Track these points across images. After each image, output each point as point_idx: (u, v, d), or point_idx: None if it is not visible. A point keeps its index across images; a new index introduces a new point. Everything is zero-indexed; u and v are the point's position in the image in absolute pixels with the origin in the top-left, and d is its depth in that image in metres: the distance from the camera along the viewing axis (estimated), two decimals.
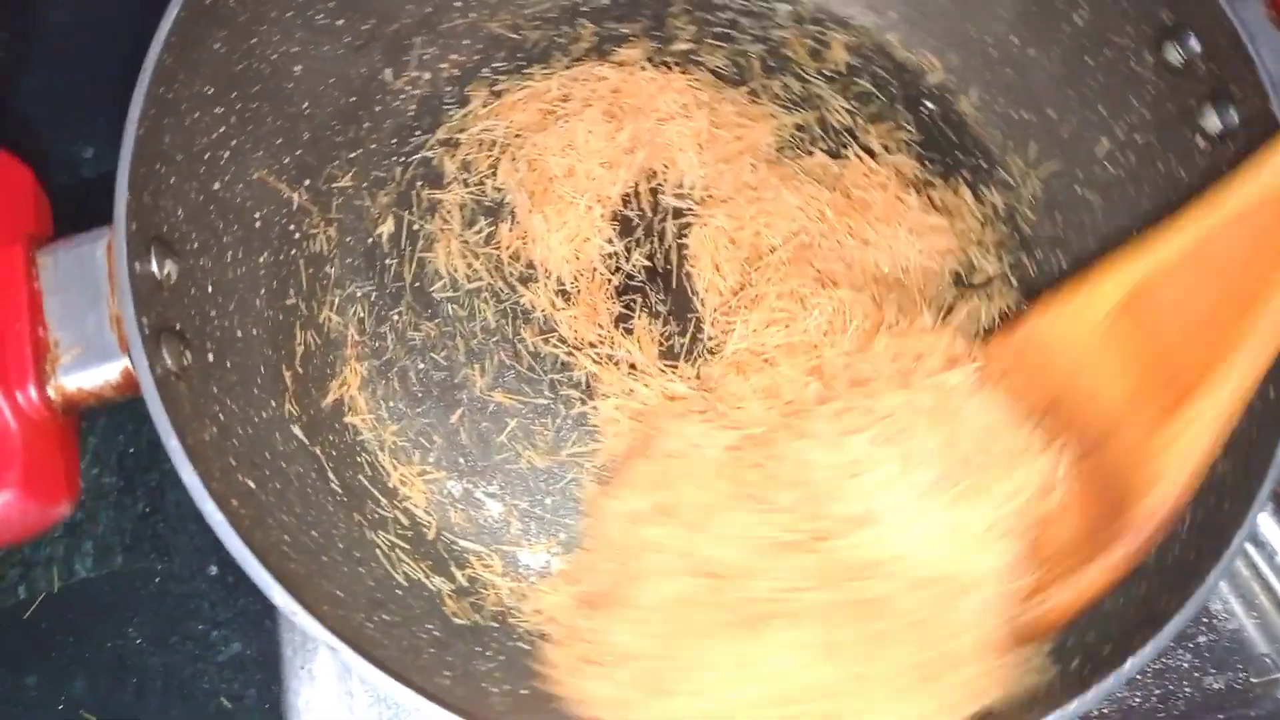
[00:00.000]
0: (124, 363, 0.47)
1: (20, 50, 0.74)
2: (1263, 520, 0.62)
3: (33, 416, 0.46)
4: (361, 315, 0.62)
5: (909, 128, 0.67)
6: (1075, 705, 0.43)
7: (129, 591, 0.63)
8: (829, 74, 0.69)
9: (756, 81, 0.68)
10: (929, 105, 0.69)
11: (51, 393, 0.47)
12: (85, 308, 0.48)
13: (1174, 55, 0.58)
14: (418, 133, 0.67)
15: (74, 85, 0.74)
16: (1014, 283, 0.64)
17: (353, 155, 0.64)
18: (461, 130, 0.66)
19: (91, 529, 0.63)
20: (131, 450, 0.65)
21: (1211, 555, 0.47)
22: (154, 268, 0.49)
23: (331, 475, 0.56)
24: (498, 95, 0.67)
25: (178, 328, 0.50)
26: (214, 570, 0.64)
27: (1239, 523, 0.46)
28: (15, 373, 0.46)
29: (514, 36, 0.69)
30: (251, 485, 0.50)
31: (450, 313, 0.61)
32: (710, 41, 0.68)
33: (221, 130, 0.56)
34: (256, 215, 0.59)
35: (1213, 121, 0.56)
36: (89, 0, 0.76)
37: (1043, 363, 0.52)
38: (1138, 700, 0.59)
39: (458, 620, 0.54)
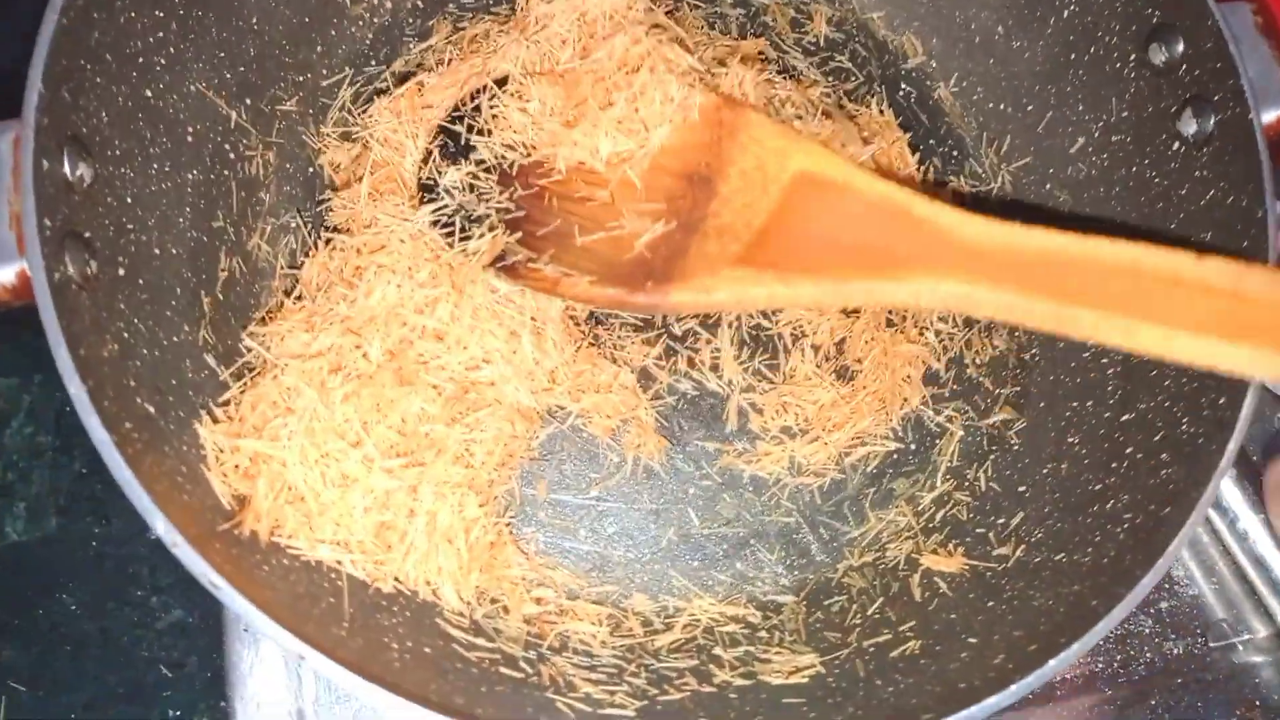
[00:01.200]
0: (20, 264, 0.44)
1: None
2: (1224, 486, 0.62)
3: None
4: (294, 247, 0.59)
5: (884, 109, 0.65)
6: (995, 700, 0.42)
7: (64, 556, 0.60)
8: (808, 46, 0.67)
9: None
10: (906, 88, 0.67)
11: None
12: None
13: (1159, 56, 0.56)
14: (372, 63, 0.63)
15: None
16: None
17: (300, 79, 0.61)
18: (418, 64, 0.63)
19: (24, 490, 0.61)
20: (68, 408, 0.61)
21: (1145, 562, 0.46)
22: (65, 169, 0.46)
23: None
24: (459, 30, 0.64)
25: (86, 235, 0.46)
26: (154, 535, 0.60)
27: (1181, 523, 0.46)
28: None
29: None
30: (151, 410, 0.47)
31: None
32: (690, 1, 0.66)
33: (159, 35, 0.52)
34: (189, 129, 0.55)
35: (1190, 126, 0.55)
36: None
37: (728, 136, 0.55)
38: (1100, 665, 0.60)
39: (359, 581, 0.51)
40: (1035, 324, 0.46)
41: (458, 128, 0.57)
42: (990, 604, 0.52)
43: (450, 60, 0.61)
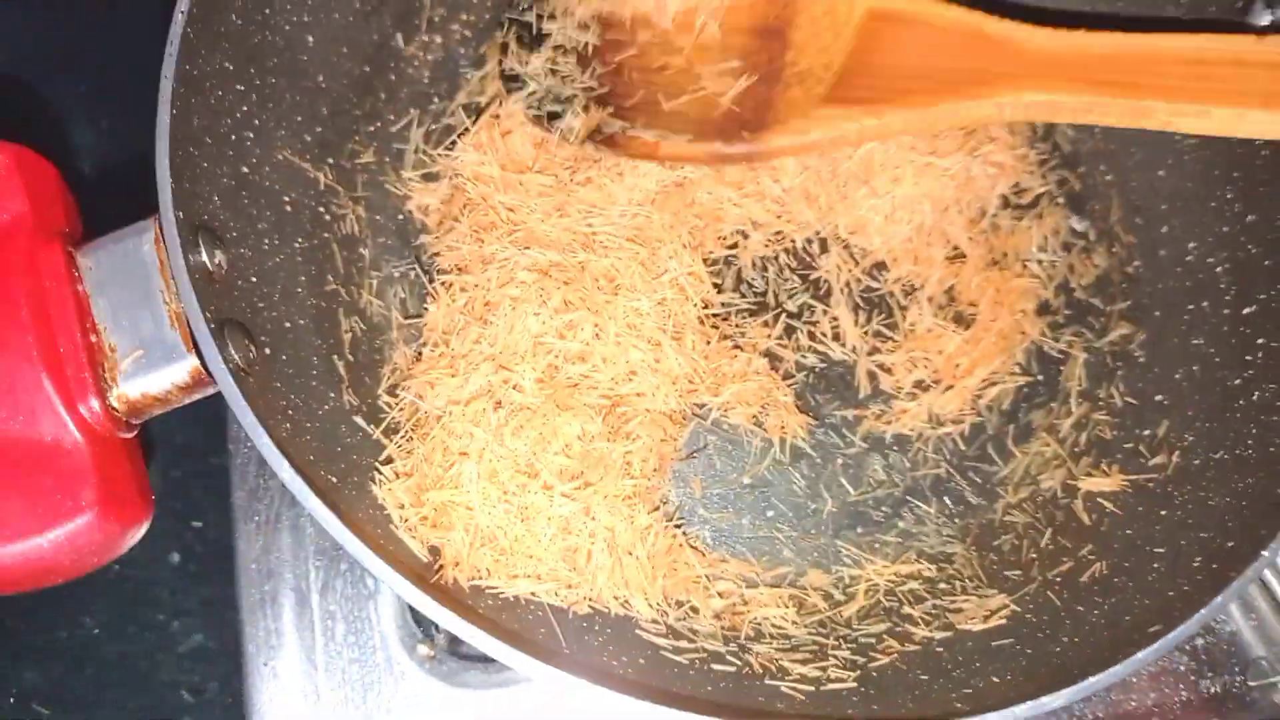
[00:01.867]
0: (191, 362, 0.44)
1: None
2: None
3: (98, 430, 0.43)
4: (403, 296, 0.59)
5: None
6: (1220, 599, 0.43)
7: (87, 579, 0.58)
8: None
9: None
10: None
11: (115, 402, 0.43)
12: (138, 307, 0.44)
13: None
14: (435, 100, 0.63)
15: (37, 52, 0.70)
16: (1060, 200, 0.63)
17: (371, 129, 0.61)
18: (480, 93, 0.63)
19: None
20: None
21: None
22: (204, 257, 0.46)
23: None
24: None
25: (237, 320, 0.46)
26: (176, 559, 0.62)
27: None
28: (75, 385, 0.42)
29: None
30: (334, 480, 0.47)
31: None
32: None
33: (244, 109, 0.52)
34: (286, 198, 0.55)
35: (1263, 16, 0.56)
36: None
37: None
38: (1133, 704, 0.58)
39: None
40: (1114, 121, 0.51)
41: (528, 17, 0.58)
42: (1164, 513, 0.53)
43: None
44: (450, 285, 0.56)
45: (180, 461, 0.66)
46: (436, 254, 0.58)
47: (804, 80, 0.55)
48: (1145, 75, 0.50)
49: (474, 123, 0.60)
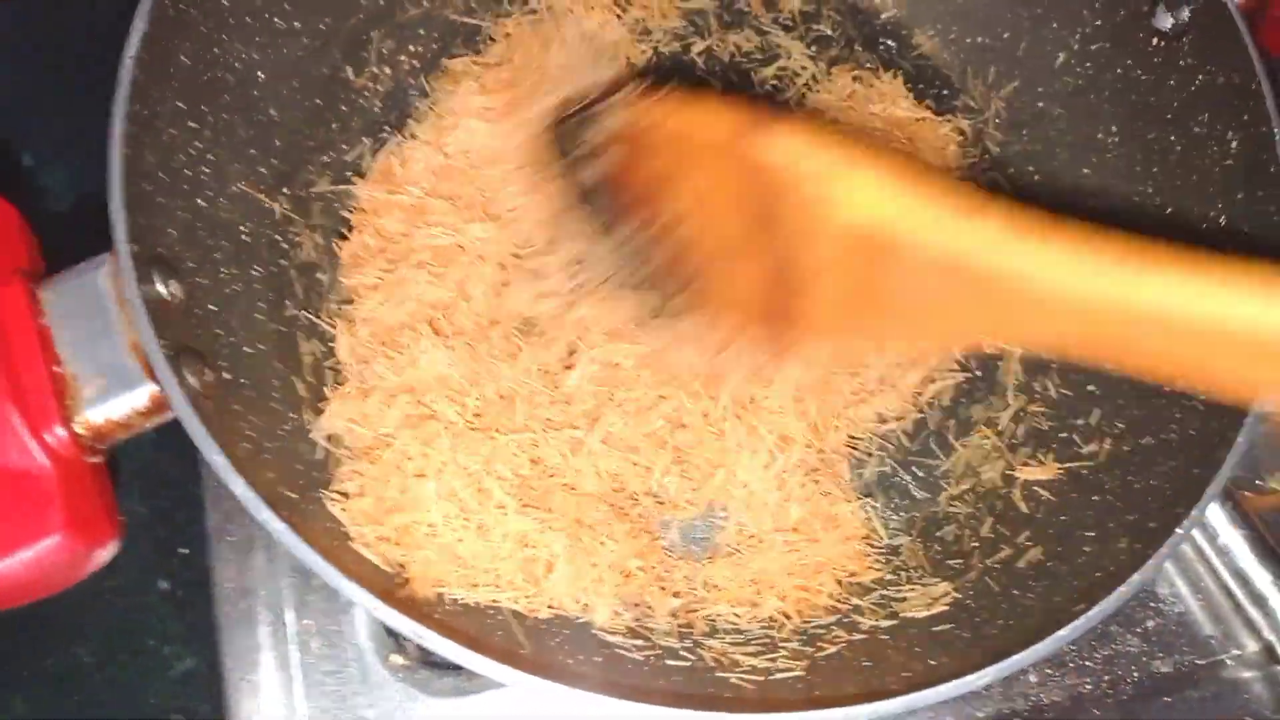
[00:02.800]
0: (149, 388, 0.45)
1: None
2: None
3: (64, 455, 0.45)
4: None
5: (869, 67, 0.68)
6: (1137, 578, 0.45)
7: (74, 607, 0.61)
8: (784, 23, 0.70)
9: (714, 38, 0.69)
10: (886, 42, 0.70)
11: (79, 428, 0.45)
12: (97, 338, 0.46)
13: None
14: (386, 128, 0.65)
15: (16, 95, 0.72)
16: None
17: (325, 159, 0.63)
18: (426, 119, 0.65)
19: None
20: None
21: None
22: (160, 288, 0.47)
23: None
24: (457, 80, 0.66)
25: (193, 346, 0.48)
26: (164, 585, 0.63)
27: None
28: (40, 413, 0.44)
29: (469, 21, 0.68)
30: (295, 497, 0.49)
31: None
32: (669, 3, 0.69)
33: (197, 145, 0.54)
34: (243, 229, 0.57)
35: (1166, 21, 0.59)
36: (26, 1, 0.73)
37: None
38: (1088, 687, 0.60)
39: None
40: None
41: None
42: (1095, 499, 0.55)
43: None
44: (350, 317, 0.58)
45: (165, 491, 0.67)
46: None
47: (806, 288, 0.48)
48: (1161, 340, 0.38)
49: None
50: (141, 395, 0.45)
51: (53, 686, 0.60)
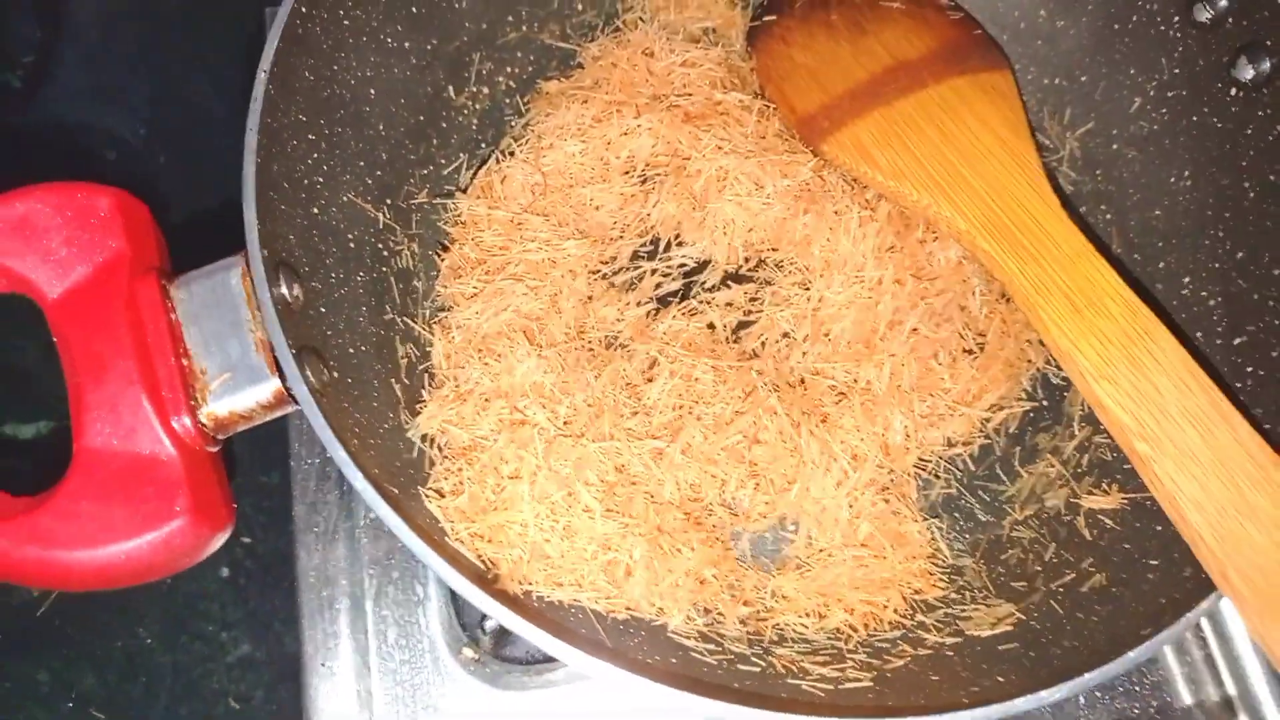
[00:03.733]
0: (275, 384, 0.49)
1: (44, 53, 0.76)
2: None
3: (189, 444, 0.48)
4: None
5: None
6: (1205, 604, 0.47)
7: (140, 591, 0.63)
8: None
9: None
10: None
11: (204, 419, 0.48)
12: (226, 334, 0.50)
13: (1204, 14, 0.62)
14: (482, 145, 0.69)
15: (99, 90, 0.75)
16: None
17: (425, 172, 0.66)
18: (522, 139, 0.68)
19: None
20: None
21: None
22: (284, 290, 0.51)
23: None
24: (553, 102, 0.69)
25: (313, 347, 0.51)
26: (225, 572, 0.66)
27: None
28: (170, 403, 0.48)
29: (564, 45, 0.71)
30: (396, 492, 0.51)
31: None
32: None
33: (315, 156, 0.58)
34: (350, 236, 0.60)
35: (1247, 72, 0.60)
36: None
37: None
38: (1135, 711, 0.62)
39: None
40: None
41: None
42: (1159, 528, 0.56)
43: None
44: (447, 324, 0.61)
45: (231, 481, 0.71)
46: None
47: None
48: None
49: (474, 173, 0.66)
50: (266, 390, 0.49)
51: (118, 666, 0.63)
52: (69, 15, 0.77)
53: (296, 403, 0.47)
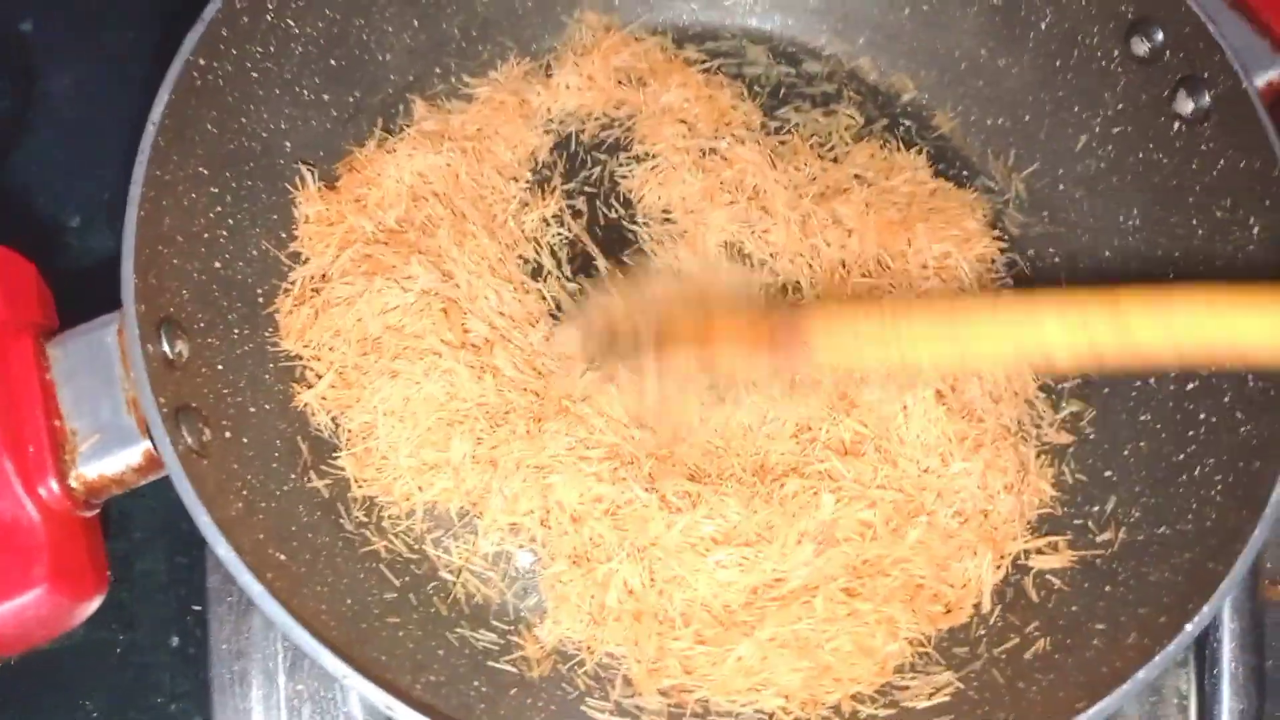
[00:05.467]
0: (144, 445, 0.46)
1: (14, 122, 0.76)
2: None
3: (56, 509, 0.45)
4: None
5: (890, 149, 0.68)
6: (1143, 674, 0.43)
7: (88, 663, 0.62)
8: (805, 105, 0.70)
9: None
10: (905, 122, 0.70)
11: (73, 483, 0.46)
12: (99, 394, 0.47)
13: (1141, 47, 0.60)
14: None
15: (69, 159, 0.75)
16: (1009, 284, 0.65)
17: None
18: None
19: None
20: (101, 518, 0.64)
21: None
22: (165, 347, 0.49)
23: (357, 543, 0.55)
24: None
25: (194, 405, 0.49)
26: (175, 641, 0.64)
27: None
28: (35, 467, 0.45)
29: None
30: (282, 558, 0.49)
31: None
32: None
33: (218, 209, 0.56)
34: (259, 290, 0.58)
35: (1186, 105, 0.58)
36: (87, 72, 0.77)
37: None
38: None
39: (502, 673, 0.52)
40: None
41: None
42: (1108, 589, 0.53)
43: None
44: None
45: (184, 549, 0.68)
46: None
47: None
48: None
49: None
50: (136, 452, 0.46)
51: None
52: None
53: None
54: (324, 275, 0.60)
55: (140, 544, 0.66)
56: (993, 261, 0.65)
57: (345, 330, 0.57)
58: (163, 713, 0.62)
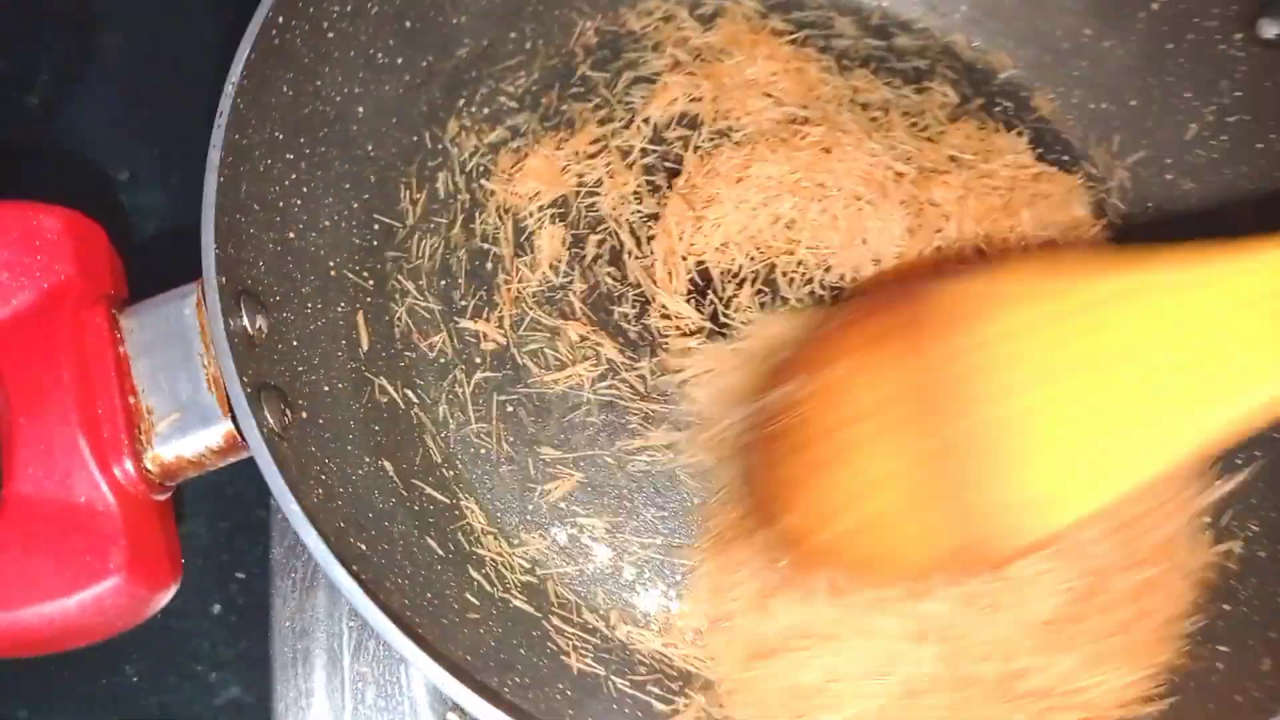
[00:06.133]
0: (226, 425, 0.44)
1: (68, 74, 0.73)
2: None
3: (131, 493, 0.43)
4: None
5: (989, 130, 0.65)
6: None
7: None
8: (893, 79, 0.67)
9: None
10: (1002, 102, 0.67)
11: (149, 465, 0.44)
12: (177, 370, 0.45)
13: (1270, 30, 0.56)
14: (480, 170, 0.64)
15: (122, 115, 0.72)
16: None
17: (418, 196, 0.62)
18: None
19: None
20: None
21: None
22: (245, 322, 0.46)
23: (433, 533, 0.53)
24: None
25: (274, 384, 0.46)
26: (217, 609, 0.62)
27: None
28: (110, 447, 0.43)
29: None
30: (363, 548, 0.46)
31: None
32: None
33: (293, 177, 0.53)
34: (330, 263, 0.56)
35: (1271, 29, 0.54)
36: (144, 24, 0.74)
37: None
38: None
39: (586, 676, 0.50)
40: None
41: None
42: (1228, 608, 0.50)
43: None
44: None
45: (229, 513, 0.66)
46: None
47: None
48: None
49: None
50: (216, 433, 0.44)
51: (102, 705, 0.59)
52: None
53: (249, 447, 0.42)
54: None
55: (183, 507, 0.63)
56: None
57: None
58: (203, 682, 0.60)
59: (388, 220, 0.59)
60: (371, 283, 0.58)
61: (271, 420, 0.44)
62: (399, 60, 0.60)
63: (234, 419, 0.43)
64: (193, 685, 0.60)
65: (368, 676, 0.58)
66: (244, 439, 0.42)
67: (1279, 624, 0.47)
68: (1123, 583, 0.47)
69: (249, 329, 0.46)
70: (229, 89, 0.48)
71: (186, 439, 0.44)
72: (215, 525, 0.65)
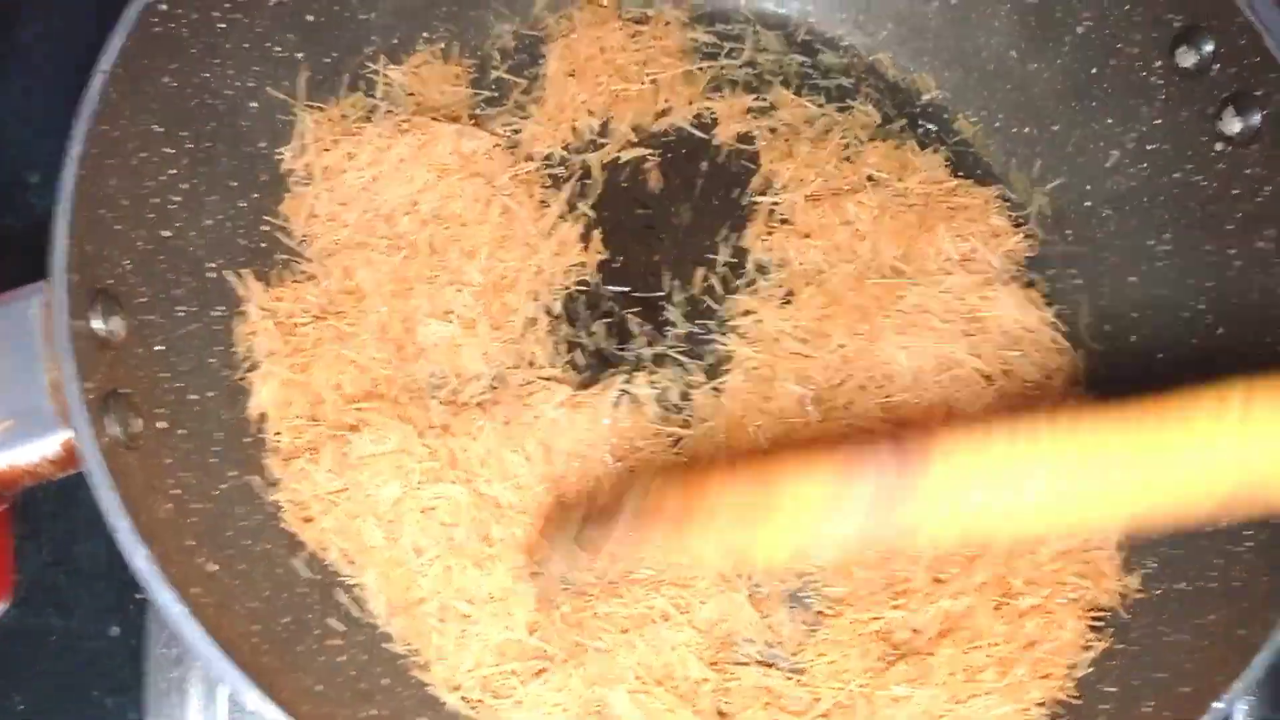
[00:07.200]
0: (64, 434, 0.41)
1: None
2: None
3: None
4: None
5: (905, 149, 0.64)
6: None
7: (19, 652, 0.58)
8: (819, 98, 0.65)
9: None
10: (925, 124, 0.65)
11: None
12: (15, 375, 0.42)
13: (1188, 59, 0.55)
14: None
15: (37, 113, 0.70)
16: None
17: None
18: None
19: None
20: (41, 492, 0.59)
21: None
22: (98, 324, 0.43)
23: (300, 553, 0.50)
24: None
25: (126, 392, 0.44)
26: (116, 631, 0.59)
27: None
28: None
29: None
30: (214, 567, 0.44)
31: None
32: (698, 69, 0.65)
33: (172, 172, 0.51)
34: (210, 265, 0.53)
35: (1234, 124, 0.53)
36: (60, 18, 0.72)
37: None
38: None
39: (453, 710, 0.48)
40: None
41: None
42: (1120, 647, 0.49)
43: None
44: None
45: None
46: None
47: None
48: None
49: None
50: (53, 443, 0.41)
51: None
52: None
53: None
54: None
55: (82, 524, 0.60)
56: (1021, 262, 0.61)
57: None
58: (99, 708, 0.58)
59: (278, 222, 0.57)
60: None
61: (117, 429, 0.42)
62: (298, 55, 0.58)
63: (72, 428, 0.40)
64: (88, 712, 0.58)
65: (245, 707, 0.55)
66: (80, 449, 0.39)
67: (1165, 664, 0.45)
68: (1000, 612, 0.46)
69: (101, 331, 0.43)
70: (99, 76, 0.45)
71: (20, 448, 0.41)
72: (114, 543, 0.62)
